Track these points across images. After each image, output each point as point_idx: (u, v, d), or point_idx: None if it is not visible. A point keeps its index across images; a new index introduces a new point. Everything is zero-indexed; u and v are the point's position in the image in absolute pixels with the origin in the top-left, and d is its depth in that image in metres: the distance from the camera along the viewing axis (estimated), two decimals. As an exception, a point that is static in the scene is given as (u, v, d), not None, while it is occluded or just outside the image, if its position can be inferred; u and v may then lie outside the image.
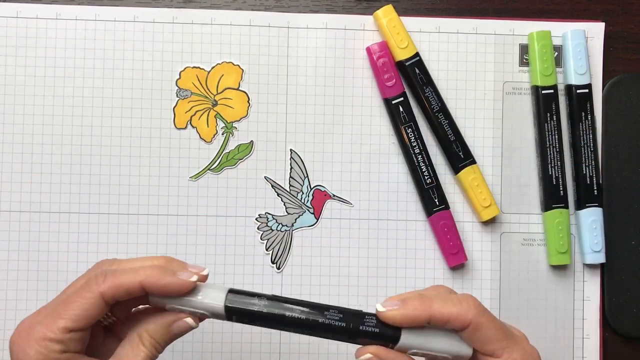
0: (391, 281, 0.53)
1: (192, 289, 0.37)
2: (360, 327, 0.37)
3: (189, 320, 0.37)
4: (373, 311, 0.38)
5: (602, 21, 0.54)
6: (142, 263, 0.38)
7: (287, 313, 0.37)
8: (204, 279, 0.38)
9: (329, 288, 0.52)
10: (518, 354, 0.38)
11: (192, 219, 0.52)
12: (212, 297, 0.37)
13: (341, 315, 0.37)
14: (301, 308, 0.37)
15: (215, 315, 0.38)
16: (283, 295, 0.38)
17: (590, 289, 0.54)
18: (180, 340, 0.52)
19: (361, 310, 0.38)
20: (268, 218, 0.53)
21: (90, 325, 0.37)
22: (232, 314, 0.37)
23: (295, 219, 0.53)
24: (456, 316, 0.37)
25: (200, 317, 0.38)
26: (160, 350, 0.38)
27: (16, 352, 0.36)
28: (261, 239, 0.53)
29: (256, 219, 0.53)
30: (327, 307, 0.37)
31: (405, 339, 0.37)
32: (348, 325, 0.37)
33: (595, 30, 0.54)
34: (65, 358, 0.36)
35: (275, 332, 0.52)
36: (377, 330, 0.37)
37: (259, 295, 0.37)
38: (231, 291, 0.37)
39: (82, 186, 0.52)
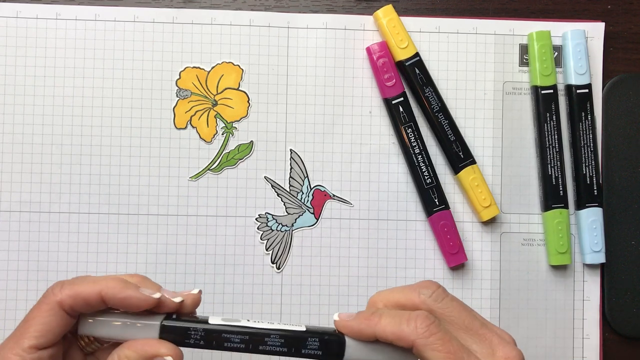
0: (391, 281, 0.53)
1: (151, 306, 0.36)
2: (303, 351, 0.36)
3: None
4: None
5: (602, 21, 0.55)
6: (104, 277, 0.36)
7: (225, 343, 0.36)
8: (176, 306, 0.37)
9: (329, 288, 0.52)
10: None
11: (192, 219, 0.52)
12: (145, 331, 0.36)
13: (282, 341, 0.36)
14: (240, 337, 0.36)
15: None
16: (222, 323, 0.36)
17: (590, 289, 0.54)
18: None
19: (305, 331, 0.37)
20: (268, 218, 0.53)
21: (56, 340, 0.35)
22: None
23: (295, 219, 0.53)
24: (398, 337, 0.35)
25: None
26: None
27: None
28: (261, 239, 0.53)
29: (256, 219, 0.53)
30: (268, 333, 0.36)
31: (350, 355, 0.37)
32: (290, 350, 0.36)
33: (595, 30, 0.54)
34: None
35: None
36: (319, 352, 0.37)
37: (195, 329, 0.36)
38: (164, 329, 0.36)
39: (82, 186, 0.52)
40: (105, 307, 0.36)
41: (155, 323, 0.36)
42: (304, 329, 0.37)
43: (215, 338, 0.36)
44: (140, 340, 0.35)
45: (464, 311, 0.37)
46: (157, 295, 0.36)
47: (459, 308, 0.37)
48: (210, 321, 0.36)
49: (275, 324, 0.37)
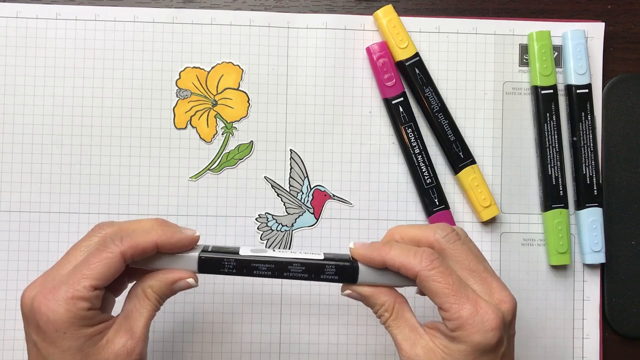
0: (391, 281, 0.53)
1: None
2: (321, 276, 0.41)
3: (191, 281, 0.41)
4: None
5: (602, 21, 0.55)
6: (141, 225, 0.41)
7: (254, 271, 0.41)
8: (197, 239, 0.42)
9: (329, 288, 0.52)
10: (466, 312, 0.38)
11: (192, 219, 0.52)
12: (186, 264, 0.41)
13: (303, 268, 0.41)
14: (267, 265, 0.41)
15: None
16: (250, 254, 0.41)
17: (590, 289, 0.54)
18: (180, 339, 0.52)
19: (324, 259, 0.41)
20: (268, 218, 0.53)
21: (108, 283, 0.39)
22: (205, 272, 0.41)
23: (295, 219, 0.53)
24: (405, 267, 0.40)
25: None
26: (162, 303, 0.41)
27: (44, 312, 0.38)
28: (261, 239, 0.53)
29: (256, 219, 0.53)
30: (291, 262, 0.41)
31: (362, 279, 0.41)
32: (310, 275, 0.41)
33: (595, 30, 0.54)
34: (90, 315, 0.38)
35: (275, 331, 0.52)
36: (336, 277, 0.41)
37: (228, 260, 0.41)
38: (201, 260, 0.41)
39: (82, 186, 0.52)
40: (154, 252, 0.40)
41: (194, 255, 0.41)
42: (323, 257, 0.42)
43: (246, 267, 0.41)
44: (162, 270, 0.41)
45: (471, 255, 0.41)
46: (197, 233, 0.42)
47: (467, 252, 0.41)
48: (240, 252, 0.41)
49: (297, 253, 0.42)
